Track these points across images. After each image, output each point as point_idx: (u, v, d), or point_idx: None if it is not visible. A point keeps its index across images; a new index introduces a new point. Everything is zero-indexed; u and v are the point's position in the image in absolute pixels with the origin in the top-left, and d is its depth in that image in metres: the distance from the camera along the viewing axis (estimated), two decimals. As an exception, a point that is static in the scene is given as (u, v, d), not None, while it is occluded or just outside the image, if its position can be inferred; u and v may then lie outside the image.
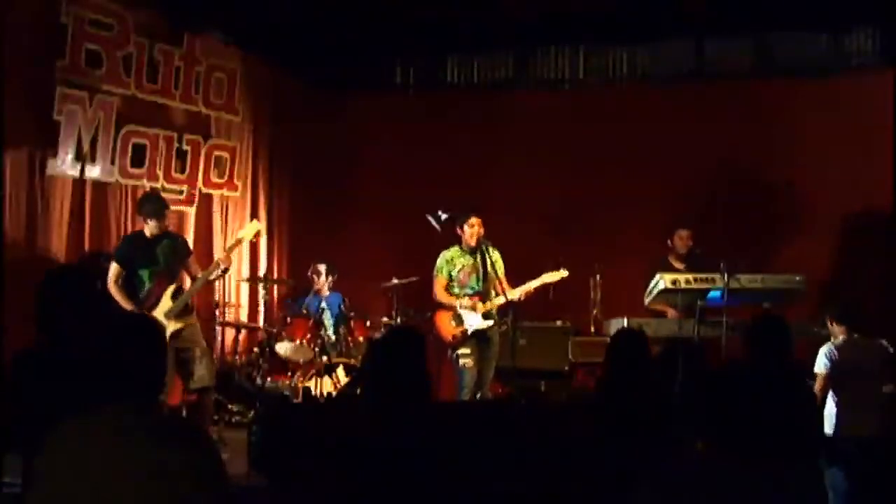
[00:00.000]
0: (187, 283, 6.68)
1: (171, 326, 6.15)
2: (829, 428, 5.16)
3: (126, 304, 6.18)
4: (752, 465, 2.36)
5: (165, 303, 6.30)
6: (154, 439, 2.39)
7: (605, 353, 4.50)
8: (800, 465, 2.44)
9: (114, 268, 6.28)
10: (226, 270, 6.61)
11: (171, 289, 6.32)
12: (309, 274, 8.30)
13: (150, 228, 6.30)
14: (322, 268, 8.22)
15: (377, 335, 7.60)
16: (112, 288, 6.22)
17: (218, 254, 8.30)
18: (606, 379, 4.42)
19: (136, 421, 2.44)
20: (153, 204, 6.40)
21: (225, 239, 8.50)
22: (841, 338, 5.30)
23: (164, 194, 7.74)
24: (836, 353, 5.22)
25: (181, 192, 8.01)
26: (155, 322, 2.87)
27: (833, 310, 5.44)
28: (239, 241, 6.80)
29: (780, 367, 4.19)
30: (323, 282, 8.19)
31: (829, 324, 5.43)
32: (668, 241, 7.50)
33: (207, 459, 2.43)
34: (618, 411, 4.03)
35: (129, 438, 2.38)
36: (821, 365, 5.23)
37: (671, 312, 7.09)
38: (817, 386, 5.19)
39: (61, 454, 2.39)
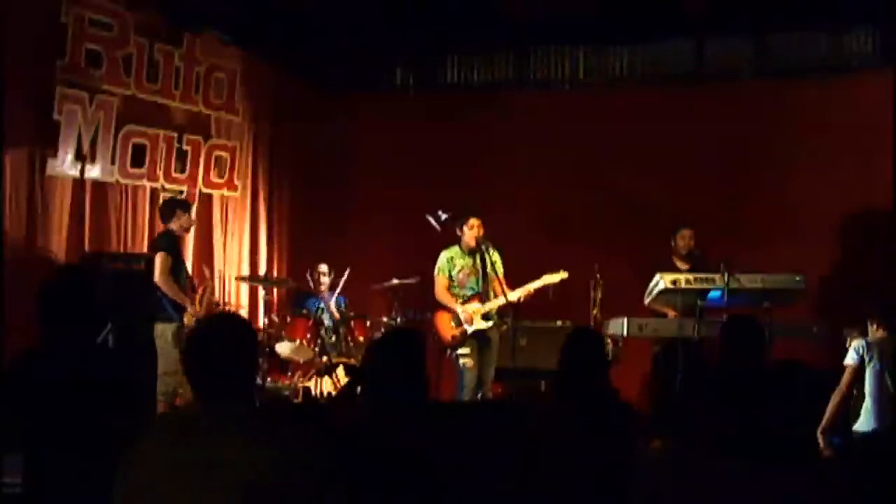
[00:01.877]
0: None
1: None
2: (859, 424, 5.15)
3: (179, 297, 6.33)
4: (735, 465, 2.36)
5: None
6: (245, 438, 2.39)
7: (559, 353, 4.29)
8: (781, 465, 2.44)
9: (165, 259, 6.35)
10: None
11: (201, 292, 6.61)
12: (311, 275, 8.28)
13: (180, 228, 6.63)
14: (324, 267, 8.22)
15: (377, 335, 7.59)
16: (163, 279, 6.31)
17: (217, 254, 8.35)
18: (560, 380, 4.21)
19: (228, 419, 2.44)
20: (173, 203, 6.83)
21: (225, 239, 8.50)
22: (878, 335, 5.26)
23: (164, 194, 7.79)
24: (867, 347, 5.19)
25: (181, 193, 8.00)
26: (244, 320, 2.88)
27: (878, 312, 5.36)
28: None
29: (756, 369, 4.15)
30: (327, 283, 8.19)
31: (870, 325, 5.37)
32: (671, 242, 7.51)
33: (305, 457, 2.42)
34: (572, 413, 3.92)
35: (220, 438, 2.39)
36: (850, 358, 5.19)
37: (671, 313, 7.10)
38: (845, 379, 5.17)
39: (151, 453, 2.41)
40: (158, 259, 6.34)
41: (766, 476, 2.39)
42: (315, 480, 2.39)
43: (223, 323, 2.70)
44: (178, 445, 2.40)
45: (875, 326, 5.32)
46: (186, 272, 6.68)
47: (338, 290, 8.08)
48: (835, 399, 5.17)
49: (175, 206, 6.77)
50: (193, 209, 6.83)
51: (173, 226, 6.61)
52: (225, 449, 2.36)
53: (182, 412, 2.63)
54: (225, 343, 2.53)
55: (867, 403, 5.17)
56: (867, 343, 5.22)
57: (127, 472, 2.43)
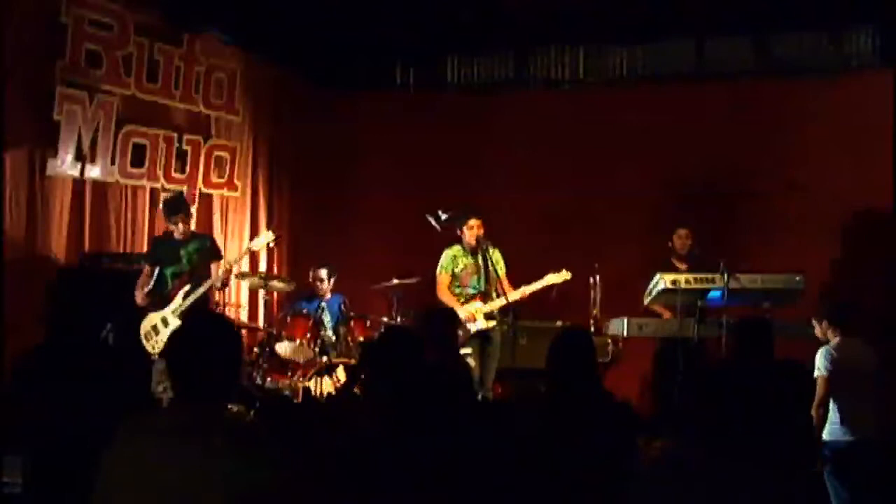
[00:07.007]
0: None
1: (175, 324, 6.42)
2: (827, 432, 5.07)
3: (139, 300, 6.55)
4: (737, 465, 2.36)
5: (176, 301, 6.56)
6: (209, 444, 2.38)
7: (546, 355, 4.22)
8: (784, 467, 2.44)
9: (144, 268, 6.69)
10: (227, 278, 6.91)
11: (185, 289, 6.59)
12: (310, 280, 8.25)
13: (177, 230, 6.67)
14: (323, 273, 8.17)
15: (377, 335, 7.57)
16: (137, 286, 6.59)
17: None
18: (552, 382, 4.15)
19: (199, 422, 2.42)
20: (170, 205, 6.82)
21: (225, 239, 8.49)
22: (836, 340, 5.19)
23: (164, 194, 7.79)
24: (835, 354, 5.10)
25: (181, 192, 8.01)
26: (230, 322, 2.87)
27: (825, 312, 5.32)
28: (249, 251, 7.17)
29: (765, 369, 4.15)
30: (327, 287, 8.15)
31: (817, 325, 5.30)
32: (669, 243, 7.50)
33: (265, 469, 2.41)
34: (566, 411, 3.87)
35: (185, 440, 2.38)
36: (822, 368, 5.07)
37: (667, 315, 7.10)
38: (820, 390, 5.05)
39: (126, 454, 2.41)
40: None
41: (767, 478, 2.39)
42: (281, 483, 2.39)
43: (205, 322, 2.70)
44: (153, 446, 2.38)
45: (823, 326, 5.24)
46: (174, 278, 6.64)
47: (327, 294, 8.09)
48: (816, 413, 5.04)
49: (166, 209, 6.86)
50: (178, 215, 6.74)
51: (174, 231, 6.72)
52: (203, 453, 2.35)
53: (158, 412, 2.62)
54: (205, 343, 2.51)
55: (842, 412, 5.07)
56: (833, 349, 5.12)
57: (103, 473, 2.42)
